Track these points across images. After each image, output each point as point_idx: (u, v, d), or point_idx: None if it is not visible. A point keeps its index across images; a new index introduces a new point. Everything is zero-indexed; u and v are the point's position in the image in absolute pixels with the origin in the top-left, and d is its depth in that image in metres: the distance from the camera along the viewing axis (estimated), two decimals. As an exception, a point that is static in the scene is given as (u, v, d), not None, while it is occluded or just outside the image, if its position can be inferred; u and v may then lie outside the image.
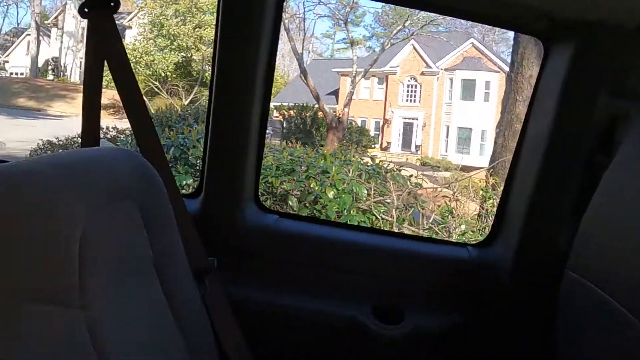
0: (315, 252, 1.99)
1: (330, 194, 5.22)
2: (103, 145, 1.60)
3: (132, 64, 1.71)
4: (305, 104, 16.44)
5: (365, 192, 5.40)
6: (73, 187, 1.09)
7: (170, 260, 1.39)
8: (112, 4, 1.60)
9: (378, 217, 5.30)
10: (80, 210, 1.06)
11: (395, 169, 6.55)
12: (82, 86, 1.71)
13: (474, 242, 2.33)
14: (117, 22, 1.70)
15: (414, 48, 23.54)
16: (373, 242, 2.07)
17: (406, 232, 5.24)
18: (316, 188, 5.32)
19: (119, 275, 1.17)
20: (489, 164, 7.79)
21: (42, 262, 1.02)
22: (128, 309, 1.19)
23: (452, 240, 4.99)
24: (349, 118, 17.01)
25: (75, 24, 22.06)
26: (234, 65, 1.84)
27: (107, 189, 1.19)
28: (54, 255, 1.02)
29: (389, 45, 19.71)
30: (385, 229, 5.11)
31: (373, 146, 18.84)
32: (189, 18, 17.64)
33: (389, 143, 21.81)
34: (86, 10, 1.60)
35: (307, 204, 5.30)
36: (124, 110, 1.68)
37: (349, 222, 4.91)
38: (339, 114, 15.92)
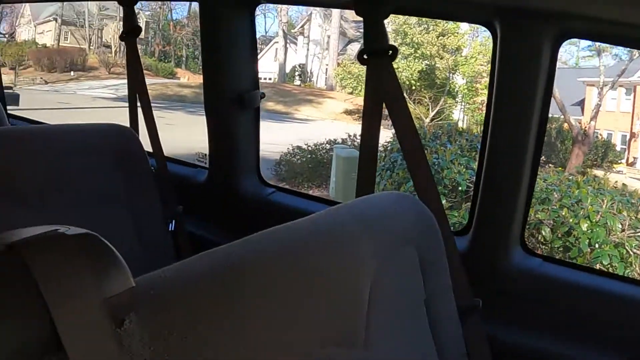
0: (575, 298, 1.92)
1: (584, 226, 5.22)
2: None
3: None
4: (550, 115, 16.06)
5: (620, 226, 5.32)
6: (367, 236, 1.17)
7: (440, 299, 1.38)
8: (390, 52, 1.66)
9: (630, 251, 5.24)
10: (372, 258, 1.14)
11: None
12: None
13: None
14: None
15: (665, 56, 21.85)
16: (635, 294, 1.91)
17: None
18: (570, 220, 5.35)
19: (397, 316, 1.23)
20: None
21: (337, 308, 1.07)
22: (402, 350, 1.23)
23: None
24: (595, 130, 16.39)
25: (320, 32, 23.16)
26: (510, 108, 1.86)
27: (393, 235, 1.25)
28: (347, 301, 1.08)
29: (639, 54, 18.51)
30: (636, 263, 5.15)
31: (619, 161, 17.92)
32: (432, 26, 17.87)
33: (635, 158, 20.54)
34: (365, 57, 1.67)
35: (560, 235, 5.34)
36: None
37: (600, 257, 5.00)
38: (585, 127, 15.43)
